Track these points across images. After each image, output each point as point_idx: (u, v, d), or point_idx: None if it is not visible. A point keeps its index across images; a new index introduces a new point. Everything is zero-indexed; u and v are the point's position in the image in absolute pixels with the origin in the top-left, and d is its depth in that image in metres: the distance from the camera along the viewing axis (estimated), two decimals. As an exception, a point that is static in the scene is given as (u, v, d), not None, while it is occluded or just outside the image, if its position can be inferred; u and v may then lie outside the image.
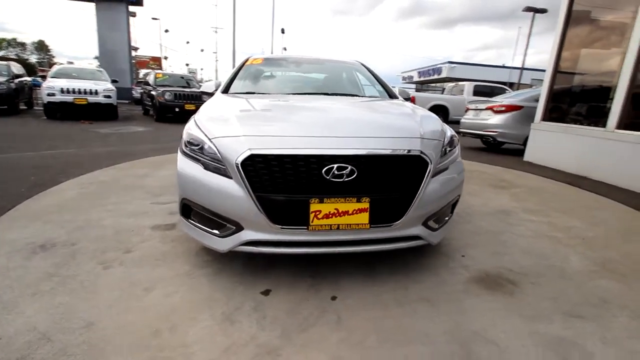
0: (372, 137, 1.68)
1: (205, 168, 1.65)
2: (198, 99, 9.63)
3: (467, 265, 2.01)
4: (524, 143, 5.87)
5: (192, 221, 1.78)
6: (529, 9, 19.59)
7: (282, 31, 24.78)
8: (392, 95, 2.86)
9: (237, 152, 1.55)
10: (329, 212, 1.53)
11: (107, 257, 1.96)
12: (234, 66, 12.95)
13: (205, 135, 1.71)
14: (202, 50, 57.19)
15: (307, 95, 2.67)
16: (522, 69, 22.26)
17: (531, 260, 2.10)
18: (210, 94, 2.82)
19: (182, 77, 10.93)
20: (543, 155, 5.27)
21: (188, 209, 1.78)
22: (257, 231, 1.58)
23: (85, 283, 1.69)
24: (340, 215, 1.54)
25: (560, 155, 4.93)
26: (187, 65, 45.18)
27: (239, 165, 1.52)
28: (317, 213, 1.53)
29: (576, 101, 5.20)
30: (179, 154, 1.83)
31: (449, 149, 1.86)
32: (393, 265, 1.93)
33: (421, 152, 1.63)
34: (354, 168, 1.53)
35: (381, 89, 2.98)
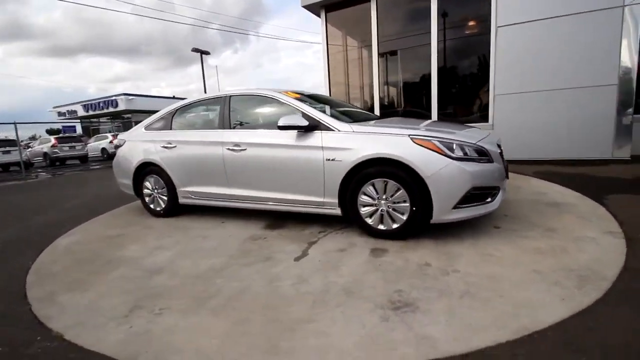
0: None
1: (479, 162, 2.48)
2: None
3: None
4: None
5: (466, 205, 2.48)
6: (195, 50, 23.08)
7: None
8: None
9: (492, 145, 2.59)
10: (506, 165, 2.98)
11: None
12: None
13: (467, 142, 2.50)
14: None
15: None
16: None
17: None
18: (304, 127, 2.81)
19: None
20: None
21: (469, 197, 2.45)
22: (502, 188, 2.70)
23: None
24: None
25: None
26: None
27: (499, 152, 2.59)
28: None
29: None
30: (453, 162, 2.40)
31: None
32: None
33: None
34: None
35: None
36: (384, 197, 2.65)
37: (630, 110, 4.83)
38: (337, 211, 2.88)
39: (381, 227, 2.71)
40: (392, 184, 2.60)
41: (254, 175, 3.18)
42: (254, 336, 1.63)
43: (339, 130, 2.81)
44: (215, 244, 2.93)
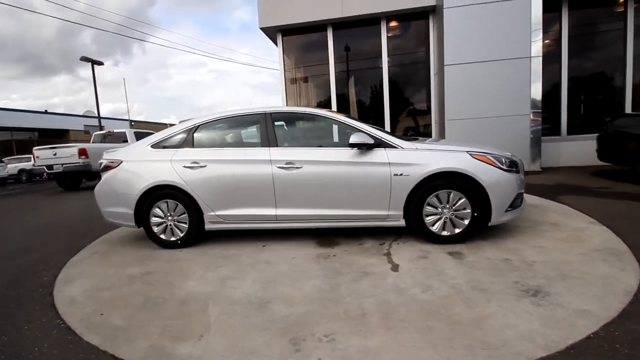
0: None
1: (515, 172, 3.05)
2: None
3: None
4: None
5: (511, 209, 3.01)
6: (86, 59, 19.79)
7: None
8: None
9: (517, 158, 3.22)
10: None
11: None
12: None
13: (507, 156, 3.06)
14: None
15: None
16: (90, 116, 21.94)
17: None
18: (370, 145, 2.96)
19: None
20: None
21: (512, 201, 2.98)
22: (521, 194, 3.36)
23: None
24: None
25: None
26: None
27: (521, 164, 3.24)
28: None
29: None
30: (505, 172, 2.89)
31: None
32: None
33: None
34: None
35: None
36: (447, 206, 3.00)
37: (539, 133, 6.47)
38: (402, 222, 3.09)
39: (444, 233, 3.04)
40: (455, 193, 2.97)
41: (311, 194, 3.13)
42: (456, 339, 1.71)
43: (402, 148, 3.06)
44: (288, 267, 2.76)
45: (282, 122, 3.36)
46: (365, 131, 3.11)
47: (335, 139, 3.33)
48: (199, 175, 3.24)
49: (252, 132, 3.36)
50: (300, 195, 3.15)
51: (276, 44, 8.13)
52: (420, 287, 2.29)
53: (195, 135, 3.42)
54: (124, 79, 59.73)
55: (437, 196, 3.00)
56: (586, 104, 7.47)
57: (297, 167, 3.11)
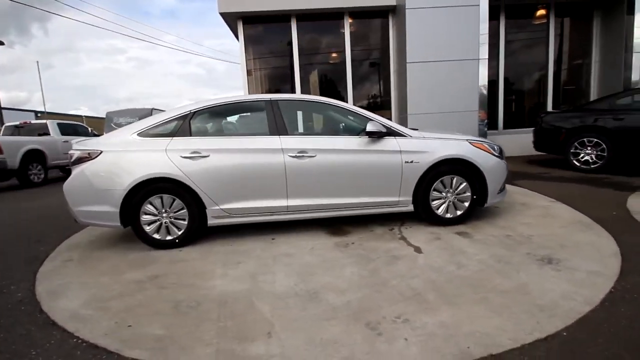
0: None
1: (502, 158, 3.40)
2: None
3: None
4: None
5: (500, 192, 3.35)
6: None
7: None
8: None
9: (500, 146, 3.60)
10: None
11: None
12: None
13: (496, 144, 3.38)
14: None
15: None
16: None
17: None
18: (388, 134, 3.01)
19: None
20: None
21: (504, 183, 3.33)
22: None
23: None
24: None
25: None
26: None
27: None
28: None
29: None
30: (497, 159, 3.20)
31: None
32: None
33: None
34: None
35: None
36: (450, 190, 3.22)
37: (485, 126, 7.28)
38: (410, 207, 3.23)
39: (448, 215, 3.26)
40: (457, 179, 3.21)
41: (326, 183, 3.08)
42: (513, 306, 1.88)
43: (411, 136, 3.19)
44: (313, 258, 2.69)
45: (289, 110, 3.23)
46: (377, 120, 3.17)
47: (343, 127, 3.33)
48: (201, 166, 2.95)
49: (256, 119, 3.17)
50: (314, 184, 3.09)
51: (235, 33, 7.71)
52: (452, 265, 2.44)
53: (193, 122, 3.09)
54: (37, 62, 51.70)
55: (441, 181, 3.21)
56: (516, 102, 8.62)
57: (310, 156, 3.04)
